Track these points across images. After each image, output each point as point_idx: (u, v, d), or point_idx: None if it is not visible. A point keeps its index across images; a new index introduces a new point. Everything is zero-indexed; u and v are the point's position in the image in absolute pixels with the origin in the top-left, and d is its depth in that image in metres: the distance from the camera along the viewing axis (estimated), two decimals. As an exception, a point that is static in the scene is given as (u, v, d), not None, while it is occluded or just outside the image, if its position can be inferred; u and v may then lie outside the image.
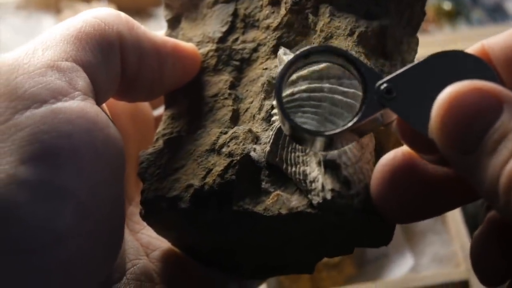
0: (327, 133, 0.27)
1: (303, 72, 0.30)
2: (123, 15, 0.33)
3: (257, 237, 0.33)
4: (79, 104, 0.28)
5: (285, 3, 0.35)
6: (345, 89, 0.30)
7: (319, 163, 0.29)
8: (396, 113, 0.27)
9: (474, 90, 0.24)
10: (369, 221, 0.29)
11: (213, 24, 0.37)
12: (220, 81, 0.35)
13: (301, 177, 0.30)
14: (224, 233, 0.34)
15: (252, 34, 0.36)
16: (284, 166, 0.31)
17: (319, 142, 0.28)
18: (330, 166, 0.29)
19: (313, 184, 0.29)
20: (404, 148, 0.29)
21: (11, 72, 0.28)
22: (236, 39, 0.36)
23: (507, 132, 0.23)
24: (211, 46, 0.36)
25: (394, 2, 0.33)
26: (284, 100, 0.30)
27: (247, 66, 0.36)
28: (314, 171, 0.30)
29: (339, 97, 0.30)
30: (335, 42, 0.33)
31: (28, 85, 0.27)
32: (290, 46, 0.34)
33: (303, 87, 0.30)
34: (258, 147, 0.32)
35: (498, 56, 0.28)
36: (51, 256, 0.26)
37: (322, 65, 0.30)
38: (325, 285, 0.64)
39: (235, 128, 0.33)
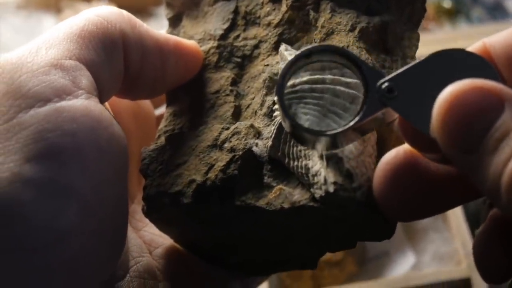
0: (328, 133, 0.27)
1: None
2: (125, 13, 0.33)
3: (259, 231, 0.33)
4: (83, 103, 0.28)
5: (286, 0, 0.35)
6: (348, 80, 0.29)
7: (321, 157, 0.29)
8: (398, 112, 0.27)
9: (475, 89, 0.24)
10: (372, 214, 0.29)
11: (214, 22, 0.37)
12: (222, 78, 0.36)
13: (303, 171, 0.30)
14: (226, 228, 0.34)
15: (253, 31, 0.36)
16: (286, 160, 0.31)
17: (320, 142, 0.28)
18: (332, 159, 0.29)
19: (315, 178, 0.29)
20: (406, 146, 0.29)
21: (15, 70, 0.28)
22: (237, 36, 0.37)
23: (509, 131, 0.23)
24: (212, 43, 0.37)
25: None
26: (285, 91, 0.29)
27: (249, 62, 0.36)
28: (316, 165, 0.30)
29: (342, 88, 0.29)
30: (336, 38, 0.33)
31: (32, 83, 0.27)
32: (291, 43, 0.35)
33: (304, 78, 0.30)
34: (260, 142, 0.32)
35: (499, 54, 0.28)
36: (54, 254, 0.26)
37: None
38: (327, 283, 0.64)
39: (237, 123, 0.34)
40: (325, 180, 0.29)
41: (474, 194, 0.29)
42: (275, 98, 0.29)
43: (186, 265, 0.36)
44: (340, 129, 0.27)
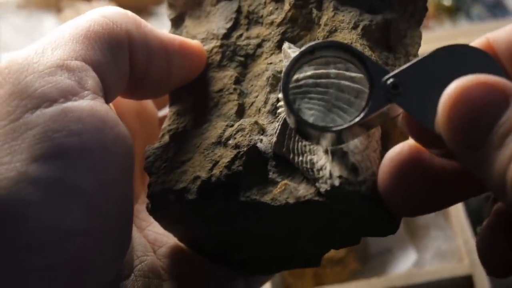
0: (334, 129, 0.27)
1: None
2: (130, 13, 0.33)
3: (264, 227, 0.33)
4: (88, 103, 0.28)
5: None
6: (353, 74, 0.30)
7: (326, 151, 0.30)
8: (403, 108, 0.27)
9: (480, 84, 0.24)
10: (376, 209, 0.29)
11: (217, 21, 0.38)
12: (225, 77, 0.36)
13: (309, 166, 0.30)
14: (231, 224, 0.34)
15: (256, 30, 0.36)
16: (291, 156, 0.31)
17: (325, 138, 0.28)
18: (337, 154, 0.29)
19: (320, 172, 0.29)
20: (411, 142, 0.29)
21: (21, 71, 0.28)
22: (240, 35, 0.37)
23: None
24: (215, 43, 0.37)
25: None
26: (290, 86, 0.29)
27: (252, 61, 0.36)
28: (321, 159, 0.30)
29: (346, 82, 0.30)
30: (339, 35, 0.33)
31: (38, 84, 0.27)
32: (294, 41, 0.35)
33: (308, 73, 0.30)
34: (264, 138, 0.32)
35: (503, 49, 0.28)
36: (58, 253, 0.26)
37: None
38: (329, 281, 0.64)
39: (241, 120, 0.34)
40: (331, 174, 0.29)
41: (479, 189, 0.29)
42: (280, 95, 0.29)
43: (191, 264, 0.36)
44: (345, 125, 0.27)
